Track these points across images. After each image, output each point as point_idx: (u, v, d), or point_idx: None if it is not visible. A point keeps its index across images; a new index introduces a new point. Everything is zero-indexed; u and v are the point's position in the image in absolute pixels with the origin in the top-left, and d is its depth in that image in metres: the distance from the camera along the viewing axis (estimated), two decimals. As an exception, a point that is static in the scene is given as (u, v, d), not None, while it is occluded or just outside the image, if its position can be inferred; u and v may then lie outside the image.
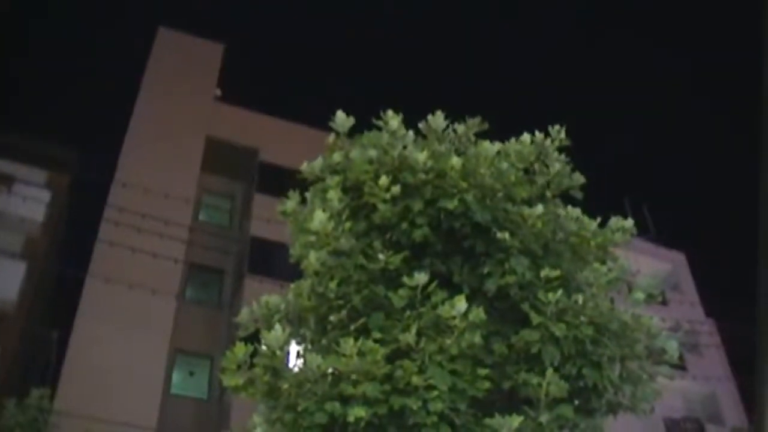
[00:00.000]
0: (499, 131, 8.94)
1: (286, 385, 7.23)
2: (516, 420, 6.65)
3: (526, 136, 8.81)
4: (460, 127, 9.06)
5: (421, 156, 7.95)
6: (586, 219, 8.48)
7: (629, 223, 8.54)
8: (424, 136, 8.84)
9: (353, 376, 6.78)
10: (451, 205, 7.70)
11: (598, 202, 9.23)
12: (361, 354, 6.79)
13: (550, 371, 7.02)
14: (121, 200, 25.20)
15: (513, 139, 8.80)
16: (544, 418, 7.03)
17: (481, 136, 8.88)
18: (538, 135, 8.87)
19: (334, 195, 8.06)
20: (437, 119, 8.88)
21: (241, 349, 7.42)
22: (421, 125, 8.86)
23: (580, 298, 7.48)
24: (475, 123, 9.09)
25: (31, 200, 27.47)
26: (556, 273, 7.46)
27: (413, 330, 6.95)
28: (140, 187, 25.48)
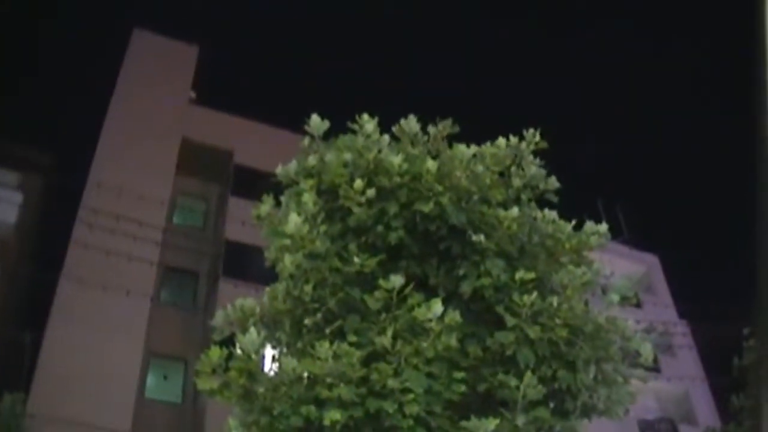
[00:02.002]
0: (474, 135, 8.97)
1: (261, 389, 7.21)
2: (492, 422, 6.67)
3: (501, 140, 8.85)
4: (433, 129, 9.08)
5: (396, 159, 7.96)
6: (561, 222, 8.52)
7: (604, 227, 8.59)
8: (398, 140, 8.85)
9: (329, 380, 6.79)
10: (427, 207, 7.72)
11: (572, 204, 9.28)
12: (336, 357, 6.79)
13: (528, 374, 7.04)
14: (95, 202, 25.01)
15: (488, 143, 8.83)
16: (520, 420, 7.06)
17: (456, 139, 8.91)
18: (513, 138, 8.91)
19: (308, 198, 8.06)
20: (410, 123, 8.90)
21: (216, 353, 7.39)
22: (394, 129, 8.88)
23: (554, 301, 7.52)
24: (446, 125, 9.11)
25: (3, 202, 27.21)
26: (531, 275, 7.48)
27: (389, 333, 6.96)
28: (114, 189, 25.31)
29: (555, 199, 8.84)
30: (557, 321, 7.43)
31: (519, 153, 8.90)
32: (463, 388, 7.02)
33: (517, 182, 8.82)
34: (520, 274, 7.50)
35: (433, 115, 9.20)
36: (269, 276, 8.63)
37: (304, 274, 7.69)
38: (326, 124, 8.82)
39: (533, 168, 8.87)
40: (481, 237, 7.70)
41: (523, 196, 8.83)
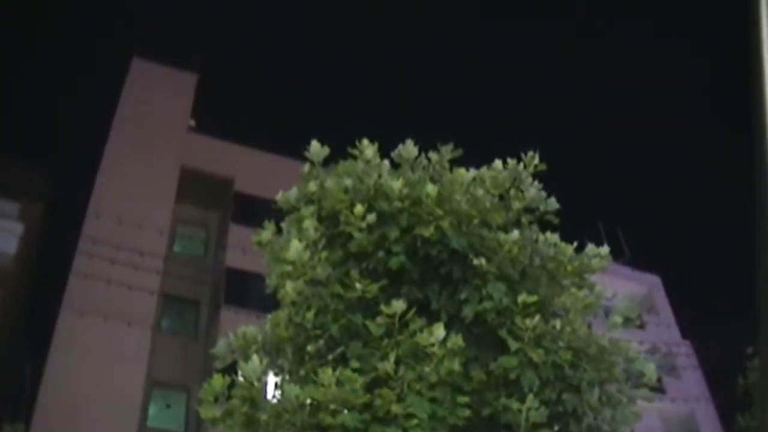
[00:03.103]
0: (473, 158, 8.99)
1: (264, 417, 7.18)
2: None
3: (499, 163, 8.86)
4: (434, 156, 9.10)
5: (397, 184, 7.97)
6: (562, 244, 8.51)
7: (605, 249, 8.58)
8: (398, 165, 8.87)
9: (332, 406, 6.75)
10: (427, 232, 7.72)
11: (573, 226, 9.28)
12: (339, 383, 6.76)
13: (530, 397, 7.01)
14: (95, 231, 25.00)
15: (487, 166, 8.84)
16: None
17: (455, 163, 8.92)
18: (512, 161, 8.92)
19: (309, 224, 8.06)
20: (408, 148, 8.92)
21: (218, 381, 7.36)
22: (393, 154, 8.90)
23: (557, 324, 7.50)
24: (448, 150, 9.14)
25: (4, 233, 27.21)
26: (533, 299, 7.46)
27: (391, 358, 6.94)
28: (115, 218, 25.33)
29: (555, 221, 8.84)
30: (560, 344, 7.41)
31: (518, 176, 8.91)
32: (467, 412, 6.98)
33: (517, 205, 8.82)
34: (522, 298, 7.48)
35: (435, 136, 9.23)
36: (271, 303, 8.61)
37: (305, 300, 7.67)
38: (326, 150, 8.84)
39: (533, 190, 8.88)
40: (482, 261, 7.69)
41: (524, 219, 8.83)
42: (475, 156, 9.09)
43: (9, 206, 28.95)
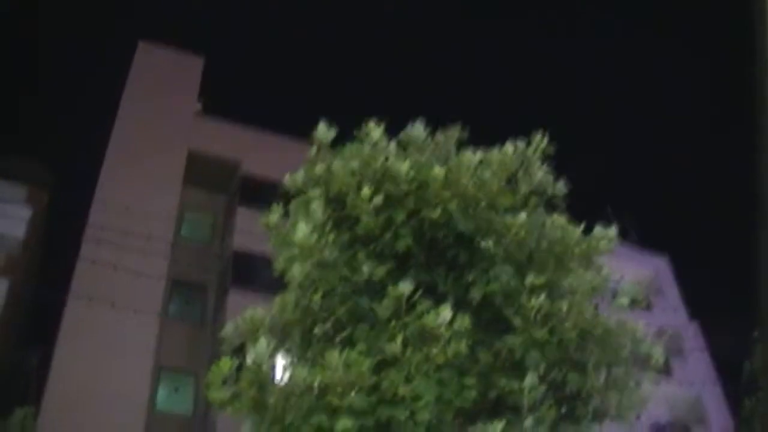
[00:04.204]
0: (481, 141, 8.96)
1: (272, 399, 7.19)
2: (498, 425, 6.64)
3: (508, 145, 8.83)
4: (441, 137, 9.07)
5: (404, 166, 7.95)
6: (570, 227, 8.48)
7: (612, 232, 8.54)
8: (405, 147, 8.84)
9: (339, 388, 6.75)
10: (434, 215, 7.71)
11: (580, 208, 9.26)
12: (346, 366, 6.76)
13: (530, 374, 6.99)
14: (102, 217, 25.01)
15: (495, 148, 8.81)
16: (527, 422, 7.01)
17: (462, 146, 8.89)
18: (520, 144, 8.89)
19: (316, 207, 8.06)
20: (416, 130, 8.89)
21: (226, 364, 7.38)
22: (401, 136, 8.87)
23: (564, 305, 7.49)
24: (454, 132, 9.11)
25: (12, 217, 27.28)
26: (540, 280, 7.45)
27: (398, 340, 6.94)
28: (121, 203, 25.33)
29: (563, 203, 8.81)
30: (567, 324, 7.40)
31: (526, 158, 8.87)
32: (473, 394, 6.98)
33: (524, 188, 8.79)
34: (529, 279, 7.46)
35: (442, 120, 9.21)
36: (278, 286, 8.62)
37: (312, 283, 7.68)
38: (333, 132, 8.82)
39: (540, 173, 8.84)
40: (489, 243, 7.68)
41: (531, 202, 8.80)
42: (482, 139, 9.07)
43: (16, 191, 29.03)
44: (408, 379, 6.82)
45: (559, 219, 8.56)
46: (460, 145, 8.97)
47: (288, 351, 8.11)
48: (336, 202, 8.29)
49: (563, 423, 7.47)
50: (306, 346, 7.92)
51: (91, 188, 26.89)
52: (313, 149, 8.88)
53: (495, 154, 8.72)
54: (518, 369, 7.30)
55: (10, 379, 28.38)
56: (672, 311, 35.18)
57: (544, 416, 7.05)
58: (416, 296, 7.20)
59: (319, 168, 8.56)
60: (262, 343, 7.40)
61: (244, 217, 27.23)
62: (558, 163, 8.98)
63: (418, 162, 8.28)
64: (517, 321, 7.28)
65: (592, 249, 8.43)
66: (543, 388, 7.03)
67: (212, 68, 33.41)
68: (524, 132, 9.05)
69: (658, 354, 8.03)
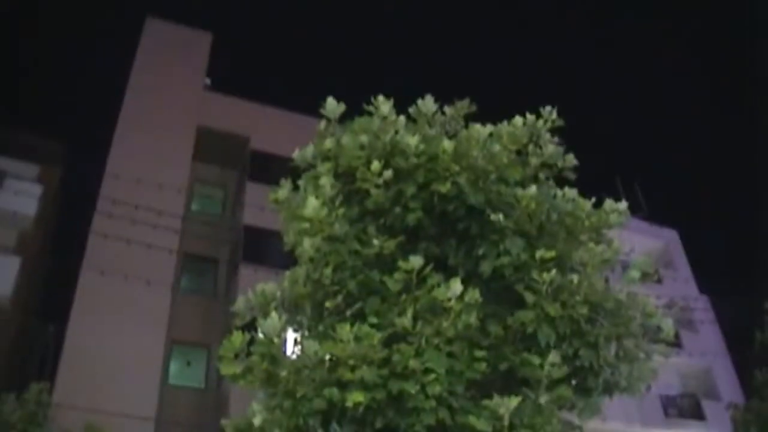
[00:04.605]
0: (491, 114, 8.93)
1: (284, 373, 7.23)
2: (515, 400, 6.65)
3: (517, 118, 8.79)
4: (450, 110, 9.04)
5: (413, 140, 7.94)
6: (580, 200, 8.45)
7: (623, 205, 8.51)
8: (414, 121, 8.82)
9: (350, 362, 6.78)
10: (444, 188, 7.70)
11: (591, 181, 9.24)
12: (357, 339, 6.79)
13: (552, 352, 7.02)
14: (113, 192, 25.11)
15: (505, 121, 8.78)
16: (543, 398, 7.04)
17: (472, 119, 8.86)
18: (530, 117, 8.85)
19: (326, 181, 8.06)
20: (427, 103, 8.87)
21: (238, 338, 7.41)
22: (411, 110, 8.85)
23: (574, 278, 7.48)
24: (464, 105, 9.07)
25: (23, 195, 27.38)
26: (551, 254, 7.43)
27: (409, 313, 6.96)
28: (132, 179, 25.43)
29: (573, 176, 8.79)
30: (577, 298, 7.40)
31: (536, 131, 8.85)
32: (484, 367, 7.00)
33: (534, 161, 8.77)
34: (540, 253, 7.45)
35: (450, 93, 9.18)
36: (289, 260, 8.65)
37: (323, 257, 7.69)
38: (342, 106, 8.80)
39: (551, 146, 8.82)
40: (500, 216, 7.67)
41: (541, 175, 8.78)
42: (491, 110, 9.04)
43: (28, 169, 29.11)
44: (419, 353, 6.84)
45: (570, 192, 8.54)
46: (469, 118, 8.94)
47: (299, 324, 8.15)
48: (345, 176, 8.29)
49: (574, 395, 7.49)
50: (317, 319, 7.95)
51: (102, 163, 26.97)
52: (322, 124, 8.87)
53: (505, 127, 8.68)
54: (528, 342, 7.31)
55: (25, 355, 28.63)
56: (682, 283, 35.17)
57: (563, 394, 7.07)
58: (427, 270, 7.21)
59: (329, 142, 8.55)
60: (274, 317, 7.42)
61: (253, 191, 27.29)
62: (567, 138, 8.96)
63: (427, 135, 8.26)
64: (528, 296, 7.28)
65: (603, 222, 8.41)
66: (564, 366, 7.04)
67: (221, 44, 33.31)
68: (535, 105, 9.03)
69: (668, 326, 8.02)
